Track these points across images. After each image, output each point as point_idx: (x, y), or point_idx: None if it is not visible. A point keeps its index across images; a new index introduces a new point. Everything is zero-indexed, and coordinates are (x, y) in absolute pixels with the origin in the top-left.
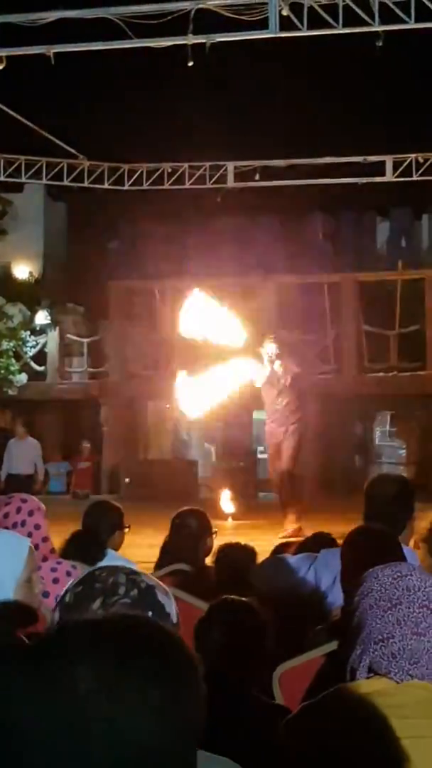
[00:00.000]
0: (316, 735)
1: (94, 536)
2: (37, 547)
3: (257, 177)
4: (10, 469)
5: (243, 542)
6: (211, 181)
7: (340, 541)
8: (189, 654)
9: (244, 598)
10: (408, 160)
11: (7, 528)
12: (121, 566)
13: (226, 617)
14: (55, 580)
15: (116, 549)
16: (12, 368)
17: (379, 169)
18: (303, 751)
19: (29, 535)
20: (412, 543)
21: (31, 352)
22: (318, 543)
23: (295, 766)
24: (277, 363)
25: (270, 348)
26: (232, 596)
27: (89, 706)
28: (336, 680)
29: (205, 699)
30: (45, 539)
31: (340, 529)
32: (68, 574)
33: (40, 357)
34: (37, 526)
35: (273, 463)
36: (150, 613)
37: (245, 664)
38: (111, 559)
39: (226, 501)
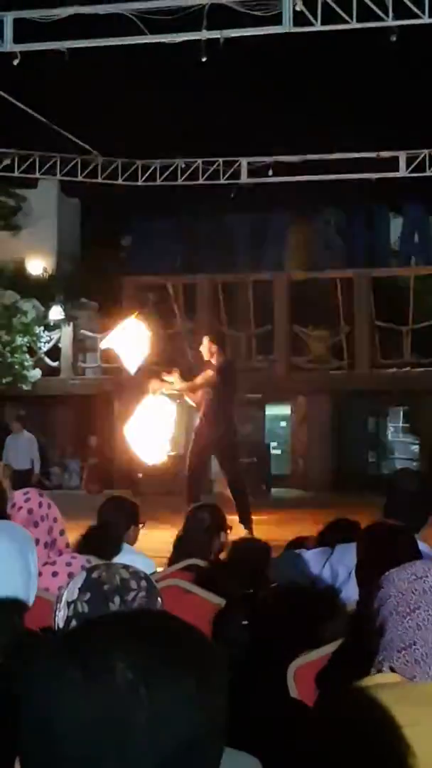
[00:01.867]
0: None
1: (111, 531)
2: (55, 541)
3: (270, 173)
4: (9, 464)
5: (256, 537)
6: (225, 177)
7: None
8: (213, 644)
9: (260, 593)
10: (421, 156)
11: (35, 522)
12: (112, 563)
13: (243, 612)
14: (71, 575)
15: (131, 544)
16: (26, 364)
17: (392, 164)
18: (321, 746)
19: (50, 528)
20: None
21: (45, 348)
22: (338, 531)
23: (313, 761)
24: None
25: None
26: (249, 591)
27: (128, 696)
28: (347, 674)
29: (228, 689)
30: (62, 532)
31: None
32: (83, 569)
33: (54, 352)
34: (55, 519)
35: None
36: (159, 600)
37: (261, 658)
38: (126, 553)
39: None
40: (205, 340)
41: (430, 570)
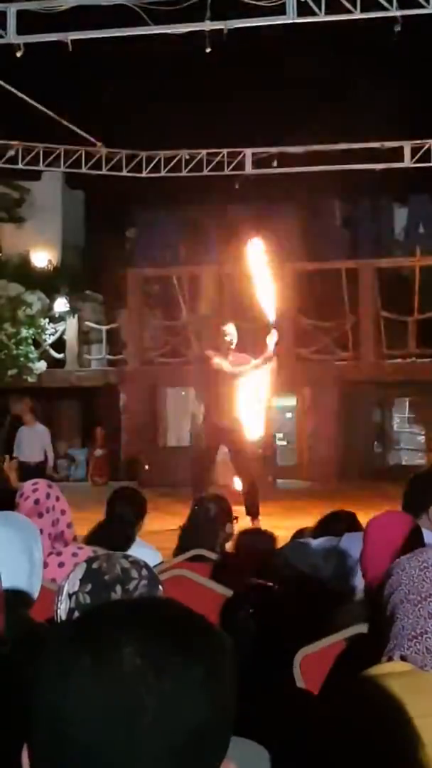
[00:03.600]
0: (343, 714)
1: (124, 523)
2: (62, 533)
3: (275, 164)
4: (20, 456)
5: (262, 528)
6: (229, 168)
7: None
8: (219, 631)
9: (267, 583)
10: (426, 146)
11: (40, 513)
12: (112, 553)
13: (251, 602)
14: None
15: (137, 535)
16: (31, 356)
17: (397, 155)
18: (330, 736)
19: (57, 520)
20: None
21: (50, 340)
22: (338, 522)
23: (320, 750)
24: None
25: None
26: (256, 581)
27: (138, 683)
28: (358, 664)
29: (237, 677)
30: (69, 525)
31: (358, 514)
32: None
33: (59, 344)
34: (63, 512)
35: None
36: (160, 589)
37: (268, 648)
38: (137, 545)
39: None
40: (233, 327)
41: None
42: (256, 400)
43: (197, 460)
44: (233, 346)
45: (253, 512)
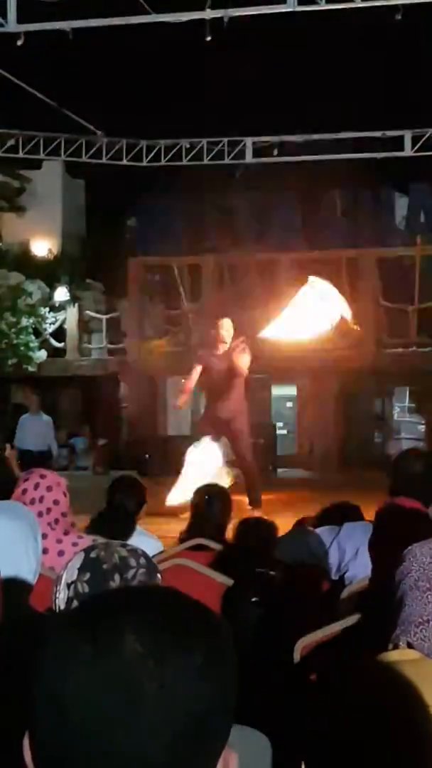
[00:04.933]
0: (352, 701)
1: (124, 513)
2: (57, 521)
3: (275, 153)
4: (22, 445)
5: (263, 517)
6: (230, 157)
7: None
8: (219, 618)
9: (268, 572)
10: (427, 135)
11: (24, 504)
12: (110, 542)
13: (253, 590)
14: None
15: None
16: (31, 345)
17: (397, 144)
18: (337, 719)
19: (48, 510)
20: None
21: (50, 329)
22: (340, 512)
23: (326, 736)
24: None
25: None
26: (258, 570)
27: (138, 669)
28: (359, 652)
29: (236, 664)
30: (64, 514)
31: (358, 503)
32: None
33: (59, 334)
34: (56, 502)
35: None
36: (159, 577)
37: (269, 636)
38: (138, 534)
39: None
40: (229, 323)
41: None
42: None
43: None
44: (227, 341)
45: (254, 501)
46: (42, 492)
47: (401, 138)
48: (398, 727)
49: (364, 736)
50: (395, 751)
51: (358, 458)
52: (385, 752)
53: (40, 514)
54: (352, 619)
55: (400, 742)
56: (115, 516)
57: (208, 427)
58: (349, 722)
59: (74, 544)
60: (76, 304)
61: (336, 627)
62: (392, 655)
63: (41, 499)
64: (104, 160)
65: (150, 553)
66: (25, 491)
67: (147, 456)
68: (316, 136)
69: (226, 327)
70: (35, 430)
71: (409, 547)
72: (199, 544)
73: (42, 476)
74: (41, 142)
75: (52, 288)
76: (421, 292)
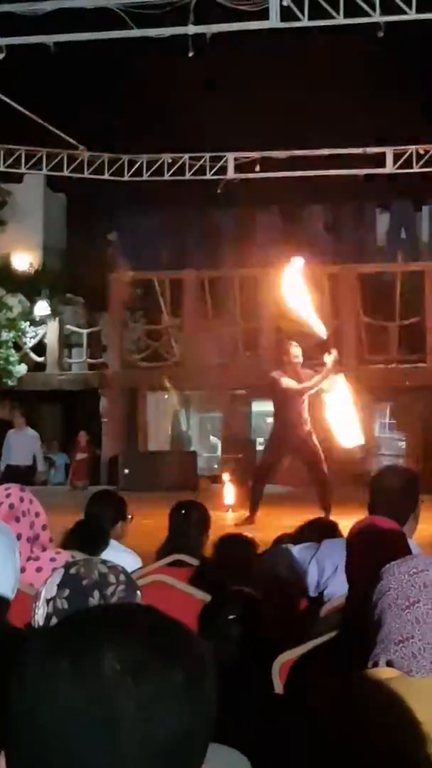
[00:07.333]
0: (336, 719)
1: (97, 526)
2: (38, 536)
3: (257, 168)
4: (8, 460)
5: (242, 533)
6: (212, 172)
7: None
8: (198, 637)
9: (246, 589)
10: (408, 152)
11: (17, 518)
12: (90, 558)
13: (230, 608)
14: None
15: (118, 539)
16: (11, 359)
17: (379, 160)
18: (319, 737)
19: (32, 523)
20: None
21: (31, 343)
22: (317, 529)
23: (307, 752)
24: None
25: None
26: (235, 587)
27: (116, 688)
28: (338, 670)
29: (216, 683)
30: (44, 527)
31: (339, 519)
32: None
33: (40, 348)
34: (37, 514)
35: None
36: (138, 594)
37: (246, 654)
38: (114, 549)
39: (225, 492)
40: (298, 348)
41: (430, 564)
42: (340, 410)
43: (262, 470)
44: (299, 364)
45: (326, 508)
46: (27, 505)
47: (383, 155)
48: (383, 745)
49: (348, 754)
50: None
51: (338, 474)
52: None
53: (31, 526)
54: (328, 637)
55: (386, 760)
56: (88, 530)
57: (280, 450)
58: (332, 740)
59: (52, 560)
60: (57, 319)
61: (312, 645)
62: (372, 674)
63: (29, 512)
64: (86, 175)
65: (129, 568)
66: (12, 506)
67: (126, 471)
68: (298, 152)
69: (296, 353)
70: (21, 444)
71: (387, 565)
72: (177, 560)
73: (22, 489)
74: (23, 155)
75: (33, 302)
76: (402, 308)
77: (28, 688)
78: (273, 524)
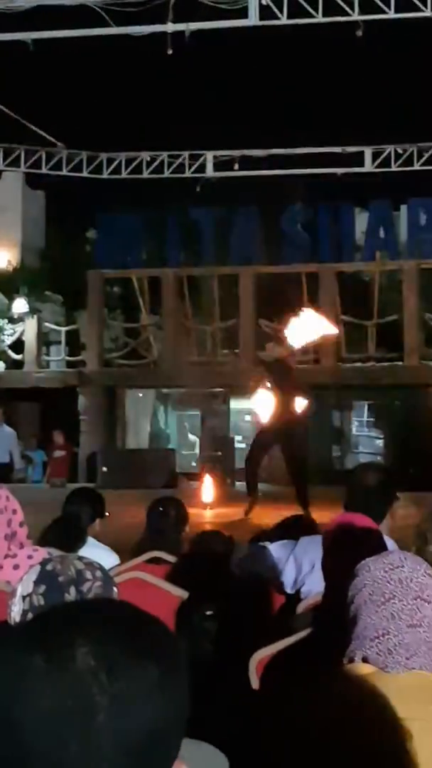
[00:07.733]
0: (316, 714)
1: (75, 523)
2: (15, 533)
3: (236, 167)
4: None
5: (220, 531)
6: (191, 171)
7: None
8: (172, 633)
9: (223, 586)
10: (387, 151)
11: None
12: (66, 555)
13: (206, 605)
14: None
15: (96, 536)
16: None
17: (357, 159)
18: (298, 732)
19: (9, 521)
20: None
21: (9, 341)
22: (294, 527)
23: (285, 748)
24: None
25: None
26: (210, 583)
27: (90, 683)
28: (314, 666)
29: (189, 679)
30: (22, 524)
31: (317, 517)
32: None
33: (18, 345)
34: (14, 511)
35: None
36: (115, 590)
37: (223, 650)
38: (91, 546)
39: (204, 490)
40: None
41: (406, 560)
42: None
43: (252, 459)
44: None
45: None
46: (4, 502)
47: (361, 154)
48: (363, 741)
49: (326, 750)
50: (358, 765)
51: (316, 472)
52: (349, 765)
53: (8, 523)
54: (304, 634)
55: (368, 756)
56: (66, 527)
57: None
58: (310, 736)
59: (29, 557)
60: (35, 316)
61: (288, 641)
62: (349, 669)
63: (6, 509)
64: (64, 172)
65: (106, 566)
66: None
67: (105, 469)
68: (276, 151)
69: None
70: None
71: (363, 562)
72: (155, 557)
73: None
74: (0, 152)
75: (11, 299)
76: (380, 307)
77: (2, 683)
78: (251, 522)
